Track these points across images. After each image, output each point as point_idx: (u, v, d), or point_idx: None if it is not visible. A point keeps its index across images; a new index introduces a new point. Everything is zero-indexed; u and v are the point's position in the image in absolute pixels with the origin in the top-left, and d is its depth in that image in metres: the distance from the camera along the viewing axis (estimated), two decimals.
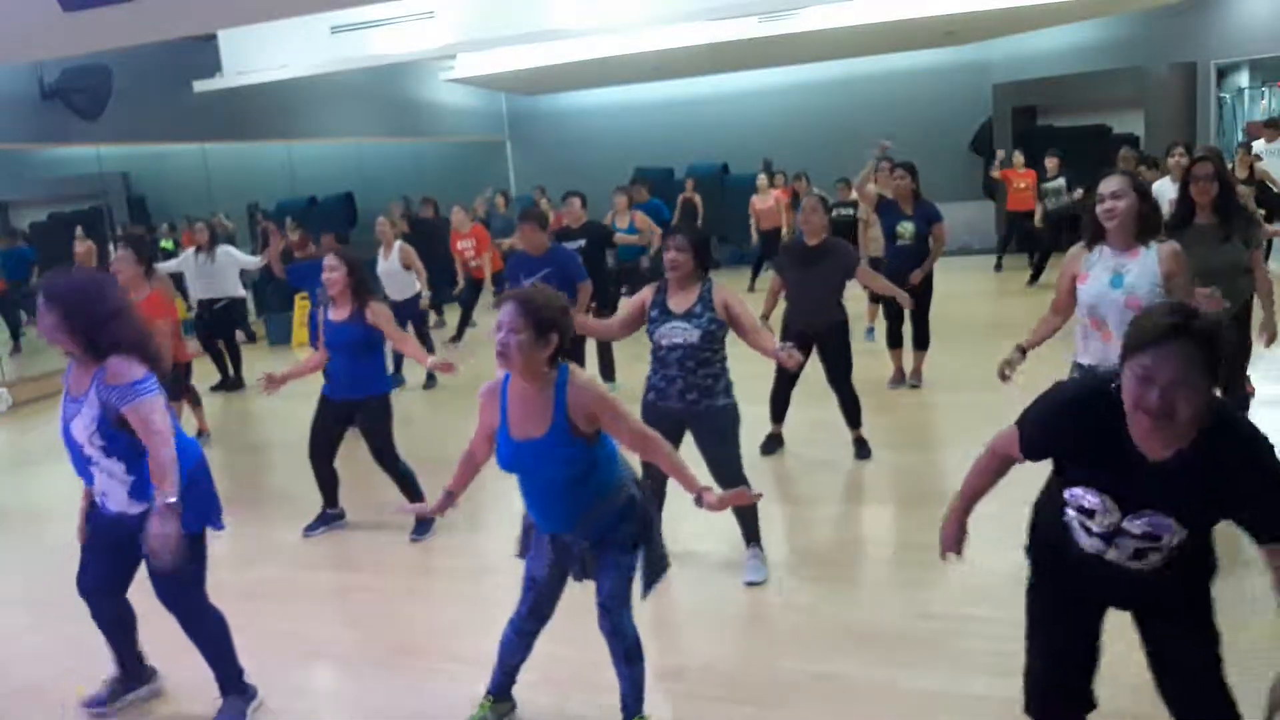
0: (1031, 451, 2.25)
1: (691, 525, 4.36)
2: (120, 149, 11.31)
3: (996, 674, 3.26)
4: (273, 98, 11.82)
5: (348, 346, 4.87)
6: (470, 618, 4.16)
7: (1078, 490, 2.14)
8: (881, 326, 7.61)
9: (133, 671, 3.50)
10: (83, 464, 3.09)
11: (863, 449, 5.67)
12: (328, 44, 10.01)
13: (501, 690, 3.15)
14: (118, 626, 3.41)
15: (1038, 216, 11.30)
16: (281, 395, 8.91)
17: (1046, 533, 2.35)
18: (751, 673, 3.45)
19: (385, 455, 4.99)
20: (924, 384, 7.10)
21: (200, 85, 10.80)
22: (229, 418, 8.38)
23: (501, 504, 5.64)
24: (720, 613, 3.97)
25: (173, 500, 2.93)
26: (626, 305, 4.30)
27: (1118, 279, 3.52)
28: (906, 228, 6.78)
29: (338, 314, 4.91)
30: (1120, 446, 2.03)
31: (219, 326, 8.85)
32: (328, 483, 5.13)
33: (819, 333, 5.47)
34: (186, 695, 3.53)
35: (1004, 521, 4.71)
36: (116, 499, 3.10)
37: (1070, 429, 2.13)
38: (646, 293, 4.15)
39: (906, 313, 6.81)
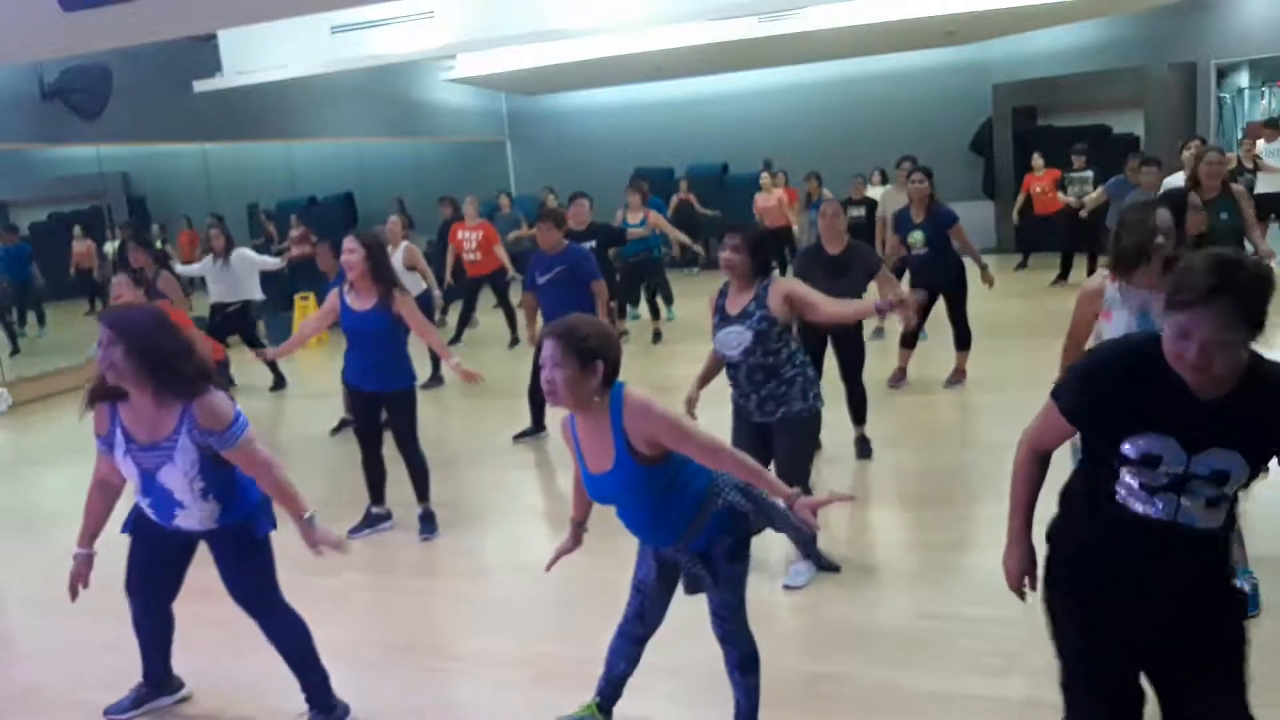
0: (1076, 414, 2.16)
1: None
2: (120, 149, 11.31)
3: (996, 674, 3.26)
4: (273, 98, 11.83)
5: (370, 336, 4.78)
6: (470, 617, 4.16)
7: (1139, 441, 2.05)
8: (892, 327, 7.58)
9: (159, 682, 3.46)
10: (168, 508, 2.99)
11: (864, 447, 5.67)
12: (328, 44, 10.01)
13: (607, 699, 3.04)
14: (156, 635, 3.36)
15: (1062, 200, 11.06)
16: (282, 396, 8.91)
17: (1081, 530, 2.24)
18: None
19: (407, 444, 4.94)
20: (926, 384, 7.10)
21: (200, 85, 10.80)
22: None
23: (502, 504, 5.66)
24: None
25: (309, 513, 3.01)
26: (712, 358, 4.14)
27: (1143, 318, 3.35)
28: (916, 237, 6.76)
29: (360, 302, 4.78)
30: (1173, 387, 2.00)
31: (228, 329, 8.83)
32: (374, 477, 5.07)
33: (836, 332, 5.43)
34: (217, 707, 3.52)
35: (1005, 522, 4.71)
36: (200, 521, 3.04)
37: (1117, 379, 2.08)
38: (714, 294, 4.09)
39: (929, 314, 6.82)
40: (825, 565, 4.14)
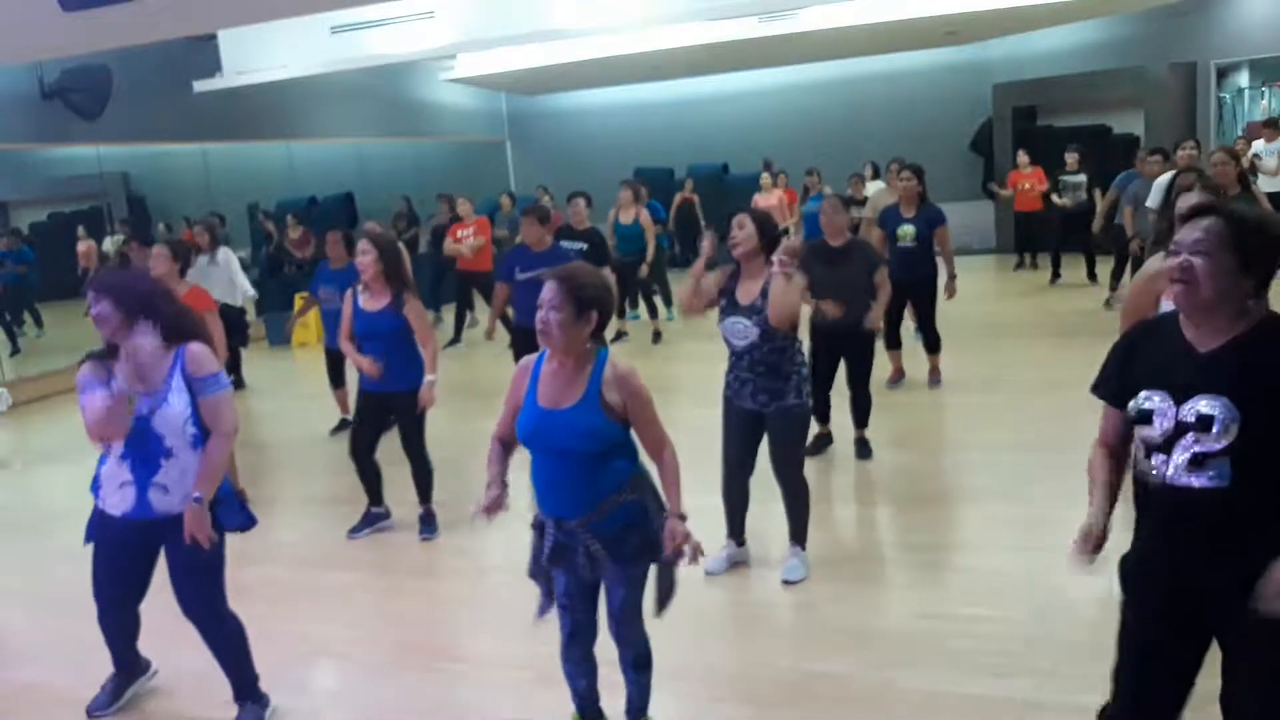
0: (1104, 389, 2.27)
1: (692, 525, 4.36)
2: (120, 149, 11.30)
3: (996, 674, 3.26)
4: (273, 98, 11.82)
5: (381, 337, 4.79)
6: (470, 618, 4.17)
7: (1138, 398, 2.15)
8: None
9: (129, 668, 3.50)
10: (154, 457, 3.00)
11: (864, 449, 5.68)
12: (328, 44, 10.00)
13: (585, 711, 3.06)
14: (122, 631, 3.40)
15: (1057, 203, 11.08)
16: (282, 396, 8.92)
17: (1142, 521, 2.26)
18: (751, 673, 3.46)
19: (413, 447, 4.94)
20: (923, 385, 7.09)
21: (200, 85, 10.79)
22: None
23: None
24: (720, 612, 3.97)
25: (201, 499, 2.97)
26: (708, 278, 4.12)
27: None
28: (907, 230, 6.77)
29: (371, 303, 4.81)
30: (1174, 342, 2.13)
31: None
32: (371, 480, 5.07)
33: (846, 332, 5.41)
34: (185, 693, 3.53)
35: (1012, 522, 4.73)
36: (172, 497, 3.02)
37: (1127, 349, 2.24)
38: (722, 276, 4.07)
39: (906, 313, 6.81)
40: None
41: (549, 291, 2.67)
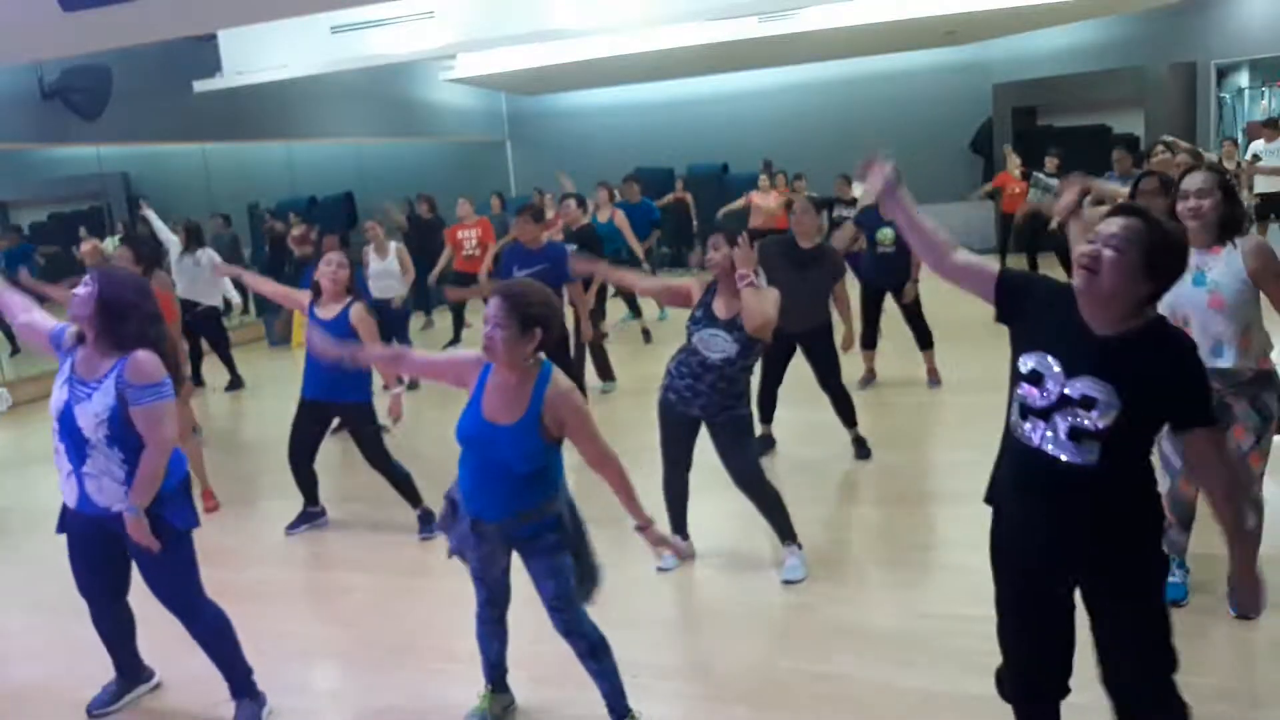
0: (1002, 288, 2.36)
1: (692, 525, 4.37)
2: (120, 149, 11.31)
3: (993, 674, 3.26)
4: (273, 98, 11.82)
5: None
6: (469, 618, 4.15)
7: (1031, 356, 2.24)
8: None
9: (130, 673, 3.50)
10: (78, 447, 3.04)
11: (861, 448, 5.66)
12: (328, 44, 10.00)
13: (497, 682, 3.20)
14: (116, 631, 3.41)
15: (1019, 211, 10.92)
16: (280, 396, 8.92)
17: (1003, 468, 2.42)
18: (751, 673, 3.46)
19: (377, 460, 5.01)
20: (920, 385, 7.09)
21: (200, 85, 10.79)
22: (226, 417, 8.39)
23: None
24: (719, 612, 3.97)
25: (135, 509, 2.99)
26: (677, 283, 4.25)
27: (1200, 277, 3.35)
28: (887, 234, 6.71)
29: (325, 311, 4.88)
30: (1071, 317, 2.21)
31: (197, 331, 8.67)
32: (307, 483, 5.15)
33: (804, 334, 5.40)
34: (186, 695, 3.53)
35: None
36: (107, 492, 3.06)
37: (1040, 298, 2.31)
38: (696, 286, 4.13)
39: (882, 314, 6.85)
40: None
41: (493, 308, 2.75)
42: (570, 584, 2.91)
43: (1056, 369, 2.19)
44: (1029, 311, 2.30)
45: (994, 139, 14.01)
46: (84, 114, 10.22)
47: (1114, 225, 2.15)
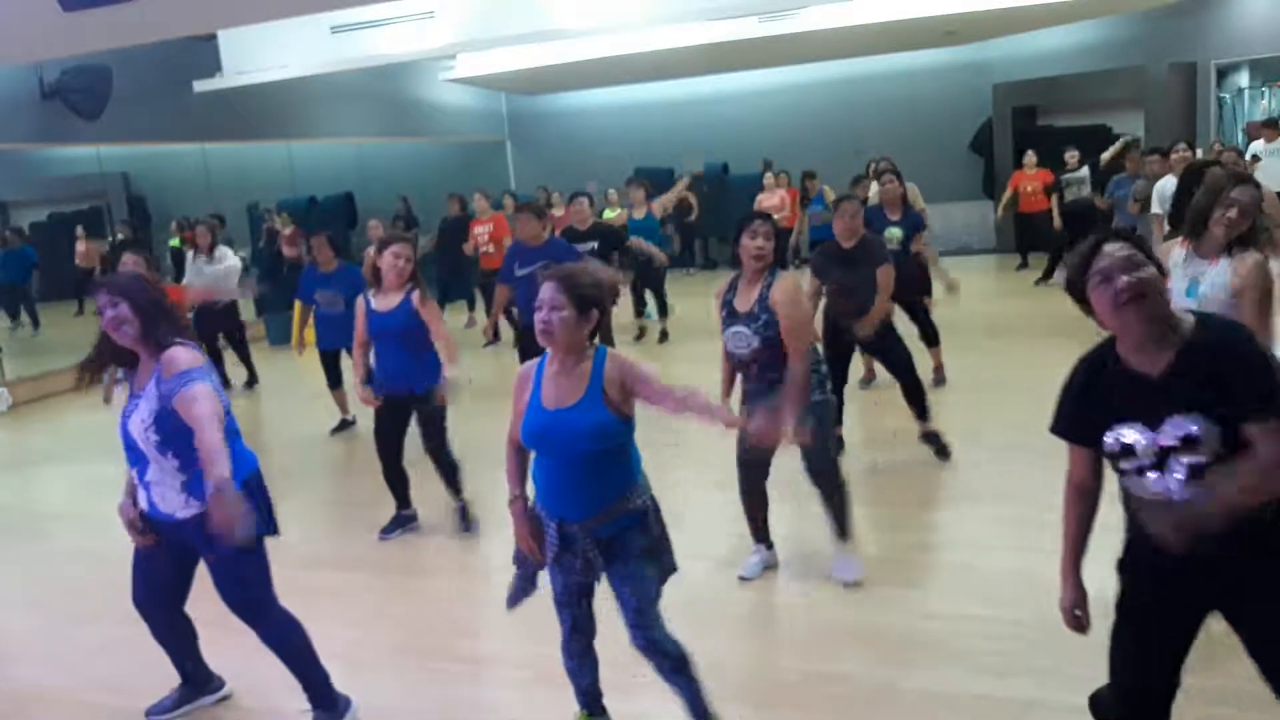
0: (1062, 424, 2.32)
1: (691, 525, 4.36)
2: (120, 149, 11.31)
3: (996, 674, 3.26)
4: (273, 98, 11.82)
5: (392, 336, 4.75)
6: (470, 618, 4.16)
7: (1110, 434, 2.18)
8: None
9: (198, 681, 3.44)
10: (139, 460, 3.03)
11: (937, 445, 5.47)
12: (328, 44, 10.01)
13: (591, 705, 3.07)
14: (175, 640, 3.35)
15: (1056, 211, 11.13)
16: (282, 396, 8.92)
17: (1132, 536, 2.32)
18: (751, 673, 3.46)
19: (436, 447, 4.88)
20: (927, 384, 7.09)
21: (200, 85, 10.79)
22: (236, 417, 8.37)
23: (502, 504, 5.64)
24: (720, 613, 3.96)
25: (225, 476, 2.81)
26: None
27: (1192, 288, 3.31)
28: (894, 233, 6.72)
29: (383, 302, 4.78)
30: (1124, 376, 2.16)
31: (214, 328, 8.74)
32: (399, 484, 5.01)
33: (868, 342, 5.37)
34: (256, 705, 3.51)
35: (1011, 524, 4.72)
36: (170, 500, 3.03)
37: (1080, 386, 2.26)
38: (722, 288, 4.06)
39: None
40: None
41: (549, 292, 2.67)
42: (652, 596, 2.81)
43: (1137, 433, 2.14)
44: (1080, 407, 2.27)
45: (994, 139, 14.02)
46: (84, 114, 10.22)
47: (1121, 251, 2.12)
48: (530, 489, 2.87)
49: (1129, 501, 2.27)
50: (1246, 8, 13.16)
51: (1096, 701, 2.52)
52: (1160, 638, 2.29)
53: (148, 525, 3.13)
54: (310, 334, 10.77)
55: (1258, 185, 3.36)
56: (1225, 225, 3.24)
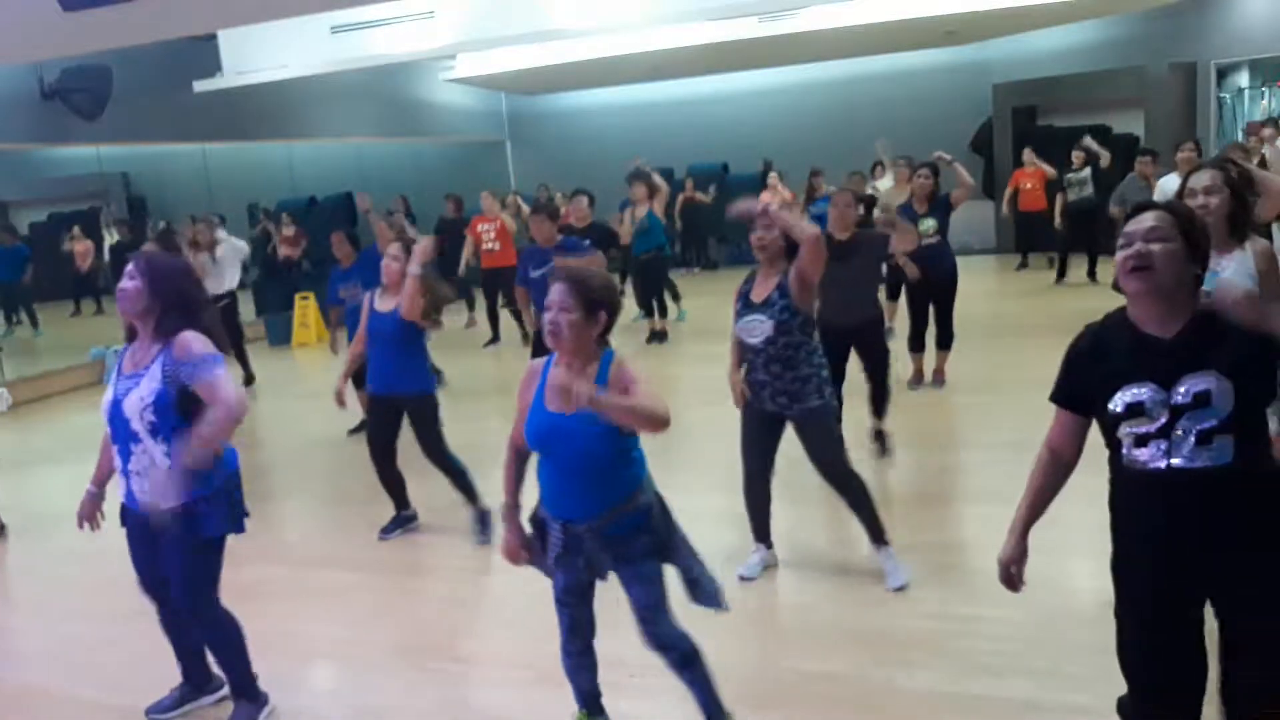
0: (1064, 391, 2.32)
1: (690, 525, 4.36)
2: (120, 149, 11.32)
3: (996, 674, 3.26)
4: (273, 98, 11.82)
5: (384, 337, 4.76)
6: (470, 618, 4.17)
7: (1121, 395, 2.16)
8: (901, 327, 7.50)
9: (196, 681, 3.45)
10: (125, 442, 3.01)
11: (882, 442, 5.59)
12: (328, 44, 10.01)
13: (590, 705, 3.06)
14: (178, 634, 3.35)
15: (1058, 210, 11.17)
16: (282, 396, 8.92)
17: (1122, 531, 2.30)
18: (751, 673, 3.45)
19: (435, 454, 4.85)
20: (927, 383, 7.09)
21: (200, 85, 10.80)
22: None
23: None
24: (720, 613, 3.96)
25: (199, 458, 2.92)
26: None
27: (1212, 276, 3.22)
28: (928, 225, 6.74)
29: (385, 303, 4.80)
30: (1136, 337, 2.18)
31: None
32: (394, 485, 4.99)
33: (855, 329, 5.36)
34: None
35: (1009, 522, 4.71)
36: (149, 490, 3.01)
37: (1088, 353, 2.27)
38: (740, 284, 4.07)
39: (930, 314, 6.82)
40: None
41: (557, 293, 2.66)
42: (660, 593, 2.81)
43: (1151, 389, 2.13)
44: (1086, 374, 2.26)
45: (994, 139, 14.01)
46: (84, 114, 10.21)
47: (1147, 220, 2.15)
48: (526, 490, 2.87)
49: (1119, 487, 2.26)
50: (1246, 8, 13.15)
51: (1124, 710, 2.46)
52: (1166, 624, 2.25)
53: (132, 520, 3.14)
54: (304, 334, 10.78)
55: (1221, 166, 3.35)
56: (1203, 215, 3.23)
